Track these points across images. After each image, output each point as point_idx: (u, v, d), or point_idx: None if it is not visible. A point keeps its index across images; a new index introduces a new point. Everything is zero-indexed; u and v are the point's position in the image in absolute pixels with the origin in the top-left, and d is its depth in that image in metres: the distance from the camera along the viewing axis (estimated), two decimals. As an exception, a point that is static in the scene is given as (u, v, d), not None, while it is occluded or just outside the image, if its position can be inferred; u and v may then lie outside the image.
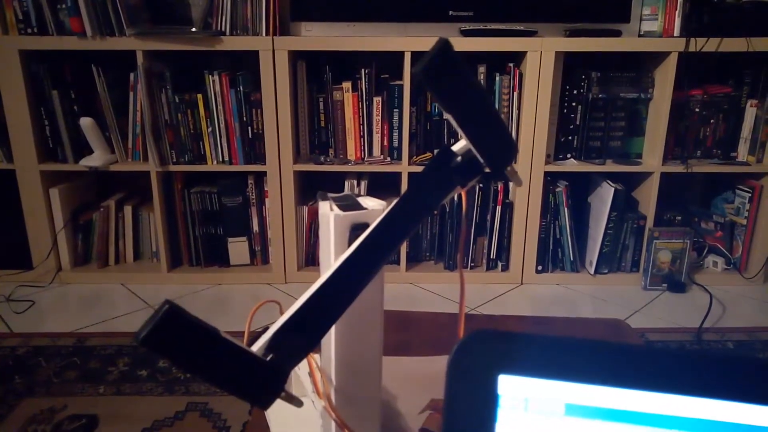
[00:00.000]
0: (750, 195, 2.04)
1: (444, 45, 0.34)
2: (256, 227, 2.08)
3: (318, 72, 1.97)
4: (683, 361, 0.28)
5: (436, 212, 2.04)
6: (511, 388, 0.30)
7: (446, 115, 0.37)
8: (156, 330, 0.31)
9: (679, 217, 2.14)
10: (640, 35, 1.96)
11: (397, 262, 2.08)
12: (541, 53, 1.87)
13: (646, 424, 0.28)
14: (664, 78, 1.92)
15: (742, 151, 2.05)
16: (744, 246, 2.09)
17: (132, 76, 1.91)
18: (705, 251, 2.15)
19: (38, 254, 2.04)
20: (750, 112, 2.01)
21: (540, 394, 0.29)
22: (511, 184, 2.04)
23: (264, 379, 0.36)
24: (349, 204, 0.43)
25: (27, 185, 1.97)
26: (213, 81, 1.92)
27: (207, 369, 0.34)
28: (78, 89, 1.97)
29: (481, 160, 0.40)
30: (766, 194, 2.02)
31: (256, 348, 0.37)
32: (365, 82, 1.95)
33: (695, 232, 2.09)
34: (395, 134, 1.99)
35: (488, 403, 0.30)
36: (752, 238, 2.07)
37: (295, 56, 1.95)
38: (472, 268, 2.12)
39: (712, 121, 2.03)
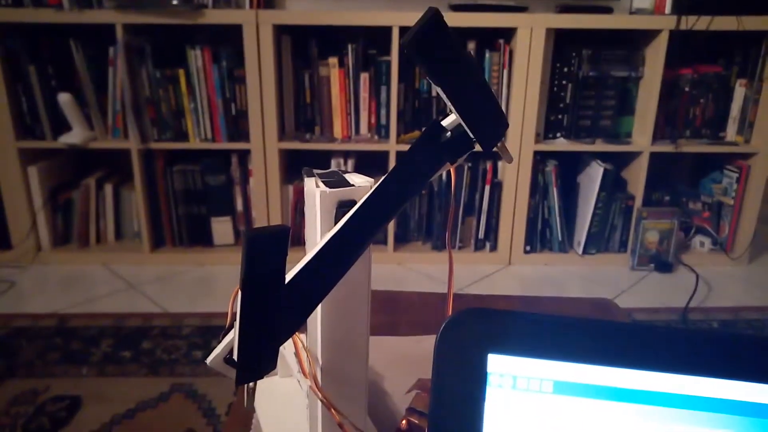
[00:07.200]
0: (737, 175, 2.04)
1: (434, 14, 0.33)
2: (240, 207, 2.04)
3: (303, 47, 1.92)
4: (671, 339, 0.28)
5: (424, 191, 2.02)
6: (499, 366, 0.30)
7: (435, 89, 0.36)
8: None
9: (668, 197, 2.14)
10: (631, 12, 1.94)
11: (385, 242, 2.07)
12: (532, 30, 1.84)
13: (634, 401, 0.29)
14: (655, 56, 1.90)
15: (731, 131, 2.05)
16: (730, 226, 2.09)
17: (111, 50, 1.86)
18: (692, 231, 2.16)
19: (17, 234, 1.99)
20: (739, 92, 2.01)
21: (529, 372, 0.30)
22: (500, 162, 2.02)
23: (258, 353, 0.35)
24: (335, 180, 0.42)
25: (4, 163, 1.92)
26: (195, 56, 1.87)
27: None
28: (56, 64, 1.90)
29: (472, 136, 0.38)
30: (754, 174, 2.02)
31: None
32: (352, 57, 1.91)
33: (683, 212, 2.10)
34: (383, 112, 1.96)
35: (477, 381, 0.30)
36: (739, 219, 2.08)
37: (280, 30, 1.90)
38: (460, 248, 2.11)
39: (701, 100, 2.02)
